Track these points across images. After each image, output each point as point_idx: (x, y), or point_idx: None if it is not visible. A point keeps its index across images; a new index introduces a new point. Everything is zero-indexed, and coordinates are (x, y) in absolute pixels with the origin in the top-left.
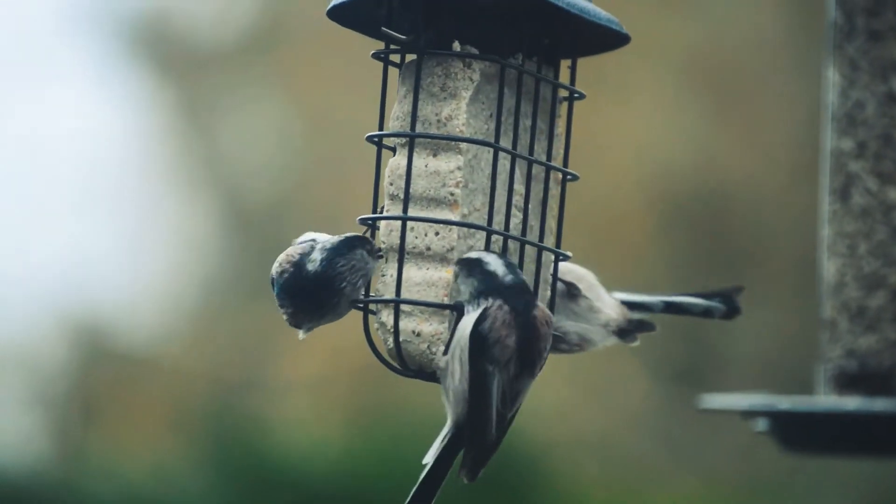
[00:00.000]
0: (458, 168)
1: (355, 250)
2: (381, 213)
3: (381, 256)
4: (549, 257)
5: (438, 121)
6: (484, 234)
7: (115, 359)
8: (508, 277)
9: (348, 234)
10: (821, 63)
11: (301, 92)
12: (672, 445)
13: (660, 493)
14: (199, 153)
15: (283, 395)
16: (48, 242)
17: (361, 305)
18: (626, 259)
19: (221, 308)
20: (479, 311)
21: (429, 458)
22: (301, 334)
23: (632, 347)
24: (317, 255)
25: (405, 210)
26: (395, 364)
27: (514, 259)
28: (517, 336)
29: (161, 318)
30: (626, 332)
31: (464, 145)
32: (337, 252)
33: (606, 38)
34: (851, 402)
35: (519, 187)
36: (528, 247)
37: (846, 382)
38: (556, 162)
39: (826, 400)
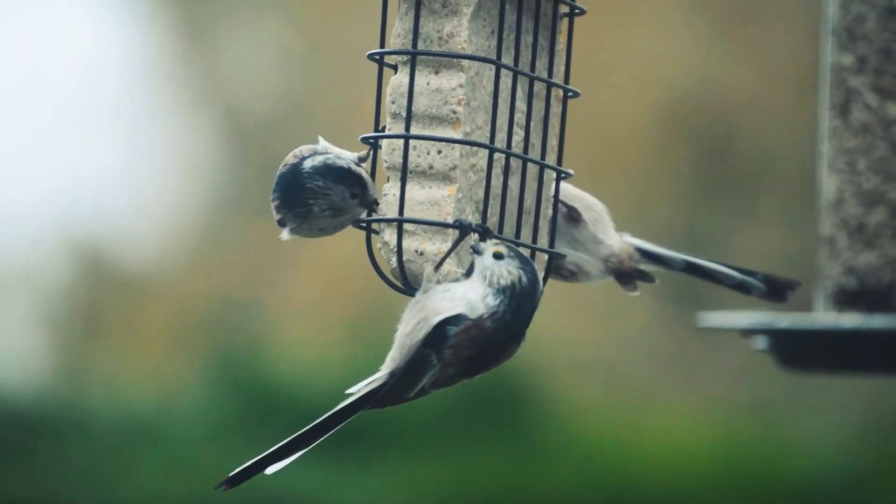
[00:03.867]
0: (461, 86)
1: (339, 185)
2: (383, 131)
3: (371, 204)
4: (550, 175)
5: (440, 38)
6: (486, 152)
7: (118, 278)
8: (539, 296)
9: (351, 167)
10: None
11: (303, 9)
12: (673, 366)
13: (660, 413)
14: (200, 72)
15: (285, 314)
16: (51, 163)
17: (364, 225)
18: (630, 176)
19: (224, 227)
20: (461, 309)
21: (353, 390)
22: (284, 234)
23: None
24: (309, 163)
25: (407, 128)
26: (398, 283)
27: (517, 176)
28: (475, 352)
29: (163, 237)
30: (626, 276)
31: (465, 62)
32: (325, 172)
33: None
34: (850, 320)
35: (521, 104)
36: (529, 165)
37: (845, 299)
38: (558, 79)
39: (825, 317)
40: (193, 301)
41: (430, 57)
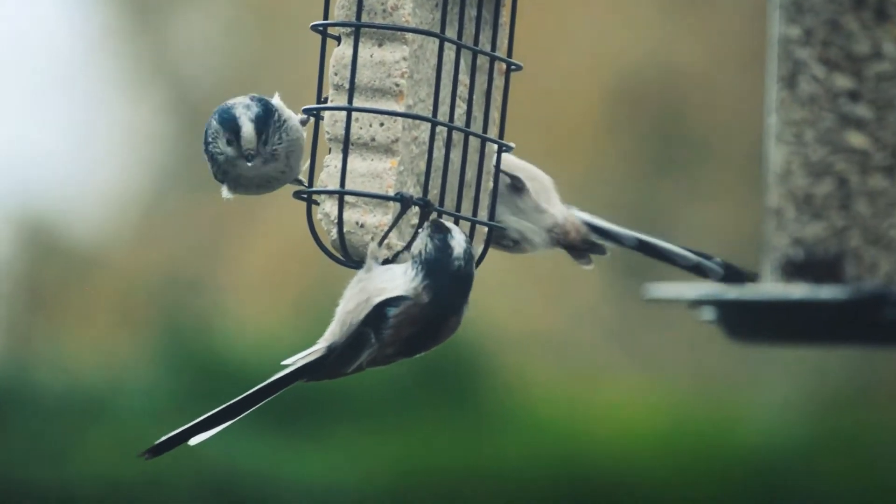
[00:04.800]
0: (404, 58)
1: (224, 131)
2: (326, 103)
3: (245, 156)
4: (492, 148)
5: (384, 10)
6: (429, 125)
7: (64, 253)
8: (457, 264)
9: (235, 113)
10: None
11: None
12: (622, 339)
13: (609, 387)
14: (147, 46)
15: (234, 289)
16: None
17: (304, 196)
18: (579, 152)
19: (171, 202)
20: (401, 290)
21: (289, 362)
22: (224, 191)
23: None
24: (216, 113)
25: (350, 100)
26: (338, 255)
27: (458, 149)
28: (415, 331)
29: (110, 211)
30: (575, 249)
31: (409, 35)
32: (221, 121)
33: None
34: (797, 291)
35: (464, 78)
36: (471, 138)
37: (793, 271)
38: (501, 52)
39: (772, 288)
40: (141, 276)
41: (374, 29)
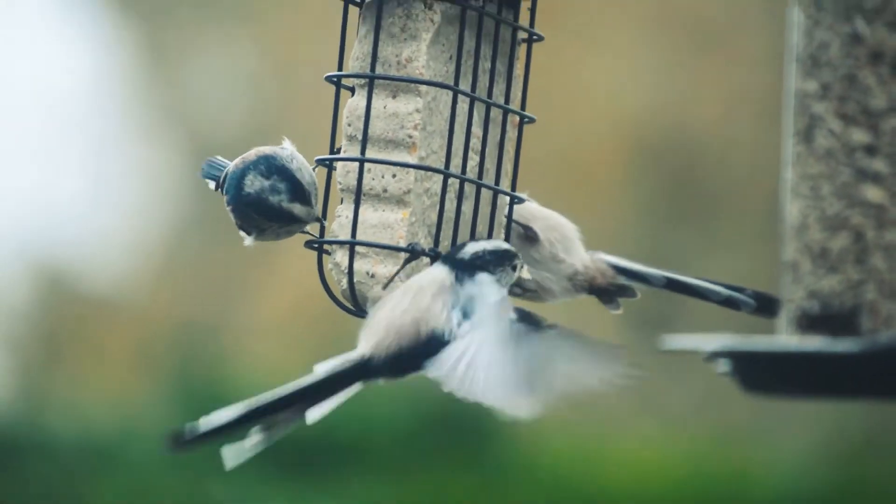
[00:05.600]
0: (417, 110)
1: (271, 221)
2: (339, 153)
3: (314, 221)
4: (504, 200)
5: (398, 62)
6: (441, 176)
7: (81, 300)
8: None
9: (282, 205)
10: (786, 4)
11: (268, 31)
12: (637, 388)
13: (622, 437)
14: (164, 92)
15: (247, 336)
16: (10, 183)
17: (316, 246)
18: (594, 202)
19: (186, 250)
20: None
21: (321, 369)
22: (247, 240)
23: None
24: (248, 186)
25: (363, 151)
26: (348, 305)
27: (470, 201)
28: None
29: (126, 258)
30: (605, 292)
31: (423, 87)
32: (258, 206)
33: None
34: (813, 343)
35: (476, 130)
36: (483, 190)
37: (808, 324)
38: (515, 104)
39: (788, 341)
40: (157, 323)
41: (388, 81)
